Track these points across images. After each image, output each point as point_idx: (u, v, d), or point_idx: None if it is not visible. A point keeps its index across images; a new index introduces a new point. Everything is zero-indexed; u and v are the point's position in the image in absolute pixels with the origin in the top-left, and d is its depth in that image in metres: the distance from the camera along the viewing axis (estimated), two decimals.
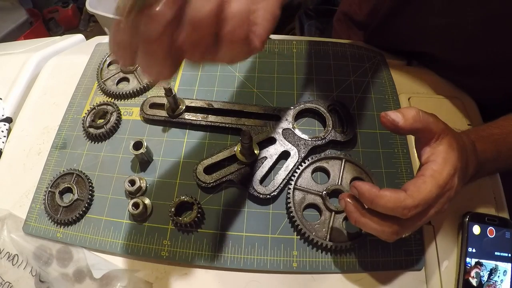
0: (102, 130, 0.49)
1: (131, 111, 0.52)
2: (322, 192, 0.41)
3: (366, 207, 0.32)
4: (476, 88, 0.51)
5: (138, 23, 0.21)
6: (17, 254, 0.42)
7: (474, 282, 0.38)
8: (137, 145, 0.44)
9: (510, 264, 0.38)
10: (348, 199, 0.33)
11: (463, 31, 0.45)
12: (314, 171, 0.44)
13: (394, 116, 0.31)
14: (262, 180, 0.43)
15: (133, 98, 0.53)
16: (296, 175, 0.43)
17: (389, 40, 0.56)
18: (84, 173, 0.46)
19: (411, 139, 0.47)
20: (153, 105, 0.51)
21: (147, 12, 0.21)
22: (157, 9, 0.21)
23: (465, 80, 0.51)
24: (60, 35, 0.72)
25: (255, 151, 0.44)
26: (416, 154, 0.45)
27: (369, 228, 0.31)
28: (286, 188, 0.43)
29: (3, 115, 0.55)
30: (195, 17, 0.21)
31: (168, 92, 0.45)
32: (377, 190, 0.30)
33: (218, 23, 0.22)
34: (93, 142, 0.49)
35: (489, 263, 0.38)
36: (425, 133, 0.32)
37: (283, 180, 0.43)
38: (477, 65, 0.47)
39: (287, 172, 0.43)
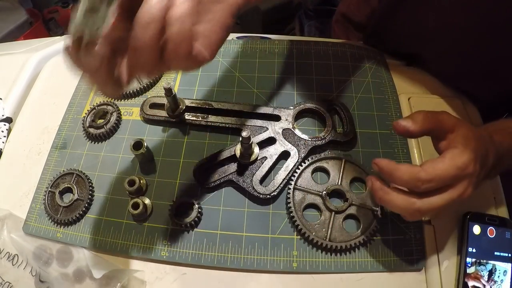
0: (102, 130, 0.49)
1: (131, 111, 0.52)
2: (322, 192, 0.42)
3: (389, 185, 0.34)
4: (473, 90, 0.51)
5: (81, 55, 0.24)
6: (17, 254, 0.42)
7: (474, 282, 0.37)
8: (137, 145, 0.44)
9: (510, 264, 0.38)
10: (374, 178, 0.35)
11: (456, 33, 0.45)
12: (314, 171, 0.44)
13: (405, 122, 0.33)
14: (262, 180, 0.43)
15: (133, 98, 0.53)
16: (296, 175, 0.43)
17: (386, 42, 0.56)
18: (84, 173, 0.46)
19: (411, 139, 0.47)
20: (153, 105, 0.51)
21: (86, 49, 0.24)
22: (96, 48, 0.24)
23: (461, 82, 0.51)
24: (60, 35, 0.72)
25: (255, 151, 0.44)
26: (416, 155, 0.45)
27: (392, 205, 0.33)
28: (286, 188, 0.43)
29: (3, 115, 0.55)
30: (137, 46, 0.23)
31: (168, 92, 0.45)
32: (395, 163, 0.33)
33: (161, 45, 0.24)
34: (93, 142, 0.49)
35: (489, 263, 0.38)
36: (439, 131, 0.34)
37: (283, 180, 0.43)
38: (473, 68, 0.47)
39: (287, 172, 0.43)
